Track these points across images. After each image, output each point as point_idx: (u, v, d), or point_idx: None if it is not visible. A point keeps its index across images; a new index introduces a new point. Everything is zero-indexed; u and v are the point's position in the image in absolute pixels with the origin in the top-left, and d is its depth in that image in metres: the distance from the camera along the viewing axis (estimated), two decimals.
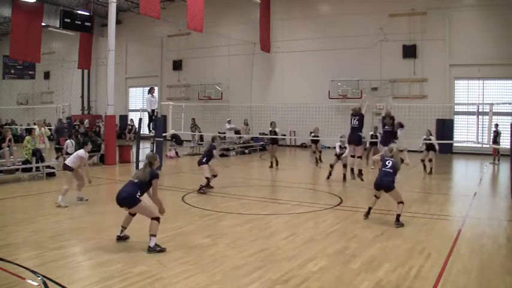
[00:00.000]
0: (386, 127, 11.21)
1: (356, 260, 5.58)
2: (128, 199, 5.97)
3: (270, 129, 16.15)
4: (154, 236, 5.85)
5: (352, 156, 10.98)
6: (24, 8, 21.43)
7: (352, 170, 10.96)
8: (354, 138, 10.90)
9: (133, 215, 6.28)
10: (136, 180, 6.03)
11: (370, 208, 7.92)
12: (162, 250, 5.81)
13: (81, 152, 9.08)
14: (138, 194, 5.99)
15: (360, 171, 10.77)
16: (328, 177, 12.41)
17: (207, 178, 10.40)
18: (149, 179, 6.00)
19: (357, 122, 10.85)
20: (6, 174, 11.93)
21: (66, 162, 9.08)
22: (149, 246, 5.80)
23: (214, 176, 10.70)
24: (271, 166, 15.38)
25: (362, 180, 10.74)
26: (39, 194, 10.28)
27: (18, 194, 10.01)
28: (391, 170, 7.61)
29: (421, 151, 14.53)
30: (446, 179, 13.42)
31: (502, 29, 19.87)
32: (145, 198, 6.17)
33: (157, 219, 5.93)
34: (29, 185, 11.55)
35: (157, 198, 6.15)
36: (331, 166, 12.52)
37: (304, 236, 6.77)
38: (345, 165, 12.05)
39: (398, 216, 7.42)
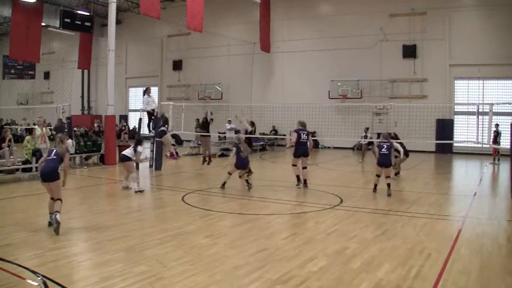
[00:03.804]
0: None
1: (356, 260, 5.58)
2: (53, 173, 6.83)
3: (205, 116, 15.00)
4: (59, 212, 6.72)
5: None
6: (24, 8, 21.43)
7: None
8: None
9: (53, 199, 6.95)
10: (55, 157, 6.94)
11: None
12: (59, 223, 6.61)
13: (140, 148, 10.58)
14: (59, 169, 6.94)
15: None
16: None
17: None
18: (64, 153, 7.05)
19: (305, 137, 10.98)
20: (6, 174, 11.93)
21: (126, 153, 10.53)
22: (58, 221, 6.57)
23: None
24: (205, 161, 14.59)
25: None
26: (39, 194, 10.25)
27: (18, 194, 10.01)
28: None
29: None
30: (446, 179, 13.42)
31: (502, 29, 19.89)
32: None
33: (61, 200, 6.86)
34: (29, 185, 11.54)
35: (67, 169, 7.47)
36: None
37: (304, 236, 6.76)
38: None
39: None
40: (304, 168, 11.13)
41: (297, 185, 11.06)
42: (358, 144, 22.97)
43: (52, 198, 6.93)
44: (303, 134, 10.96)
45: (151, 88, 16.91)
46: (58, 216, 6.58)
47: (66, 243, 6.19)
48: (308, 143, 11.04)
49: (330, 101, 22.73)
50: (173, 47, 29.56)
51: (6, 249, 5.80)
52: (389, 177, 10.29)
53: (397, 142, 12.02)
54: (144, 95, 15.92)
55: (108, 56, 15.64)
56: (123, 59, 30.13)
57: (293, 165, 11.22)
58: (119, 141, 18.49)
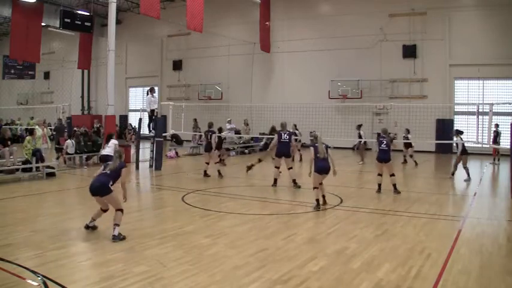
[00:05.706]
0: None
1: (356, 260, 5.58)
2: (100, 187, 6.57)
3: (216, 130, 13.70)
4: (118, 225, 6.40)
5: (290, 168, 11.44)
6: (24, 8, 21.40)
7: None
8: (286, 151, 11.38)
9: (104, 211, 6.80)
10: (108, 172, 6.70)
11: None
12: (123, 238, 6.34)
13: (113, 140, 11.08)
14: (110, 183, 6.59)
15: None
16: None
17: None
18: (119, 168, 6.73)
19: (287, 137, 11.34)
20: (6, 174, 11.92)
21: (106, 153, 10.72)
22: (113, 235, 6.30)
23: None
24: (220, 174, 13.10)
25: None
26: (39, 194, 10.28)
27: (18, 194, 10.00)
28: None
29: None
30: (446, 178, 13.41)
31: (502, 29, 19.88)
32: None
33: (121, 210, 6.55)
34: (29, 185, 11.55)
35: (124, 185, 6.83)
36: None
37: (304, 236, 6.77)
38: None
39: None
40: (290, 168, 11.31)
41: (272, 185, 11.32)
42: (358, 145, 23.00)
43: (102, 210, 6.79)
44: (284, 134, 11.34)
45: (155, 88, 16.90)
46: (116, 230, 6.33)
47: (66, 243, 6.20)
48: (290, 144, 11.35)
49: (330, 101, 22.71)
50: (173, 47, 29.54)
51: (6, 249, 5.80)
52: (393, 175, 10.39)
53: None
54: (147, 94, 15.95)
55: (108, 56, 15.63)
56: (123, 59, 30.11)
57: (276, 167, 11.38)
58: (124, 141, 18.51)
